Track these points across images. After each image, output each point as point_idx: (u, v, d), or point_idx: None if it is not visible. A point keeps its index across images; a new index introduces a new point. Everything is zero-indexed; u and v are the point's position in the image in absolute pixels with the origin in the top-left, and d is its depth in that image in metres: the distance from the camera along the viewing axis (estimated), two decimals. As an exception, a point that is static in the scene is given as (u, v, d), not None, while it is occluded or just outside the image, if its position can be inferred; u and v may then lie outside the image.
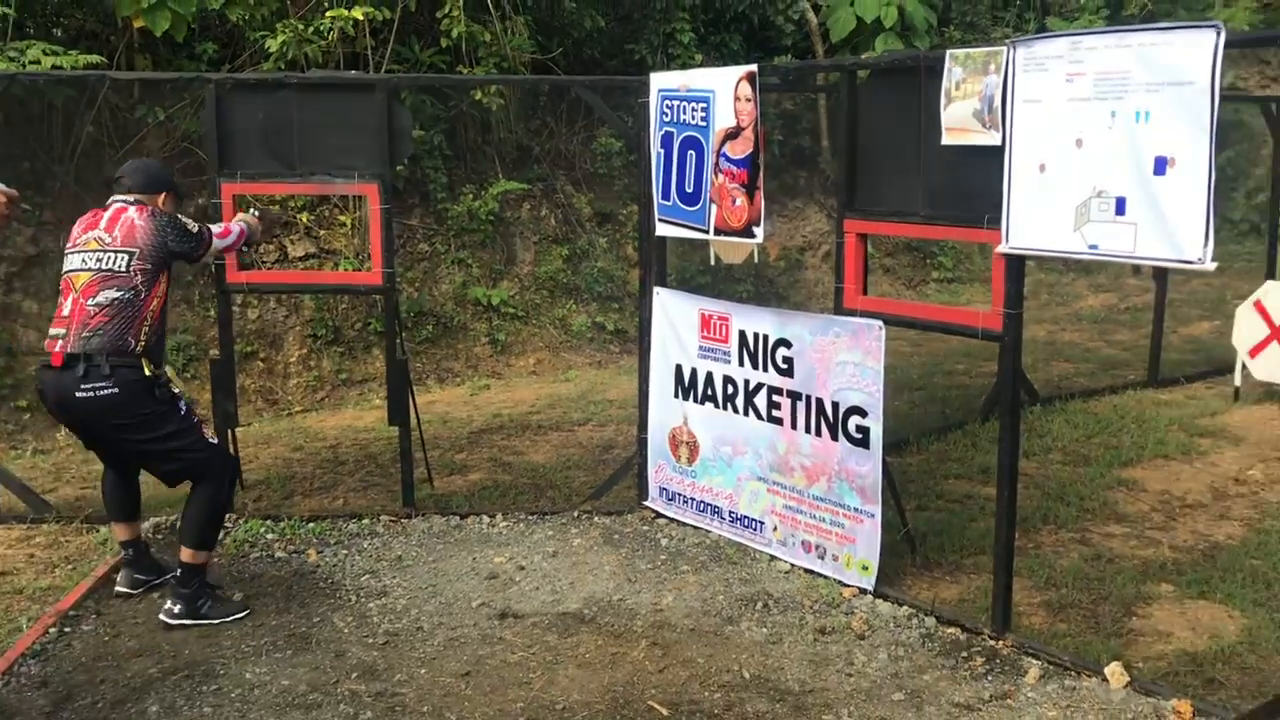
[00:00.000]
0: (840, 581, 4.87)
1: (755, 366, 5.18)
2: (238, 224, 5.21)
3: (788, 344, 5.02)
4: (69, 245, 4.65)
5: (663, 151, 5.44)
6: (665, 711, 3.87)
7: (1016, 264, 4.21)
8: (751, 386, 5.21)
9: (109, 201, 4.73)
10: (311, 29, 8.64)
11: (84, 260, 4.55)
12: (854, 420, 4.76)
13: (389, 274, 5.68)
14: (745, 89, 4.95)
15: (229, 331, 5.88)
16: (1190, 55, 3.47)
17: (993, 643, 4.32)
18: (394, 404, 5.85)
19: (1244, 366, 7.58)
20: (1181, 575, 4.91)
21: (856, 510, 4.80)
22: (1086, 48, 3.77)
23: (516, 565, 5.19)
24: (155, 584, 4.93)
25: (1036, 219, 3.98)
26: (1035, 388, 7.76)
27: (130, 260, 4.52)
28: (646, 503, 5.87)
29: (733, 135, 5.04)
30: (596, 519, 5.80)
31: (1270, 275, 8.47)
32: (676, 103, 5.32)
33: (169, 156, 8.71)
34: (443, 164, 9.84)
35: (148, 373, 4.48)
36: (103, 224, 4.62)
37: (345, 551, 5.38)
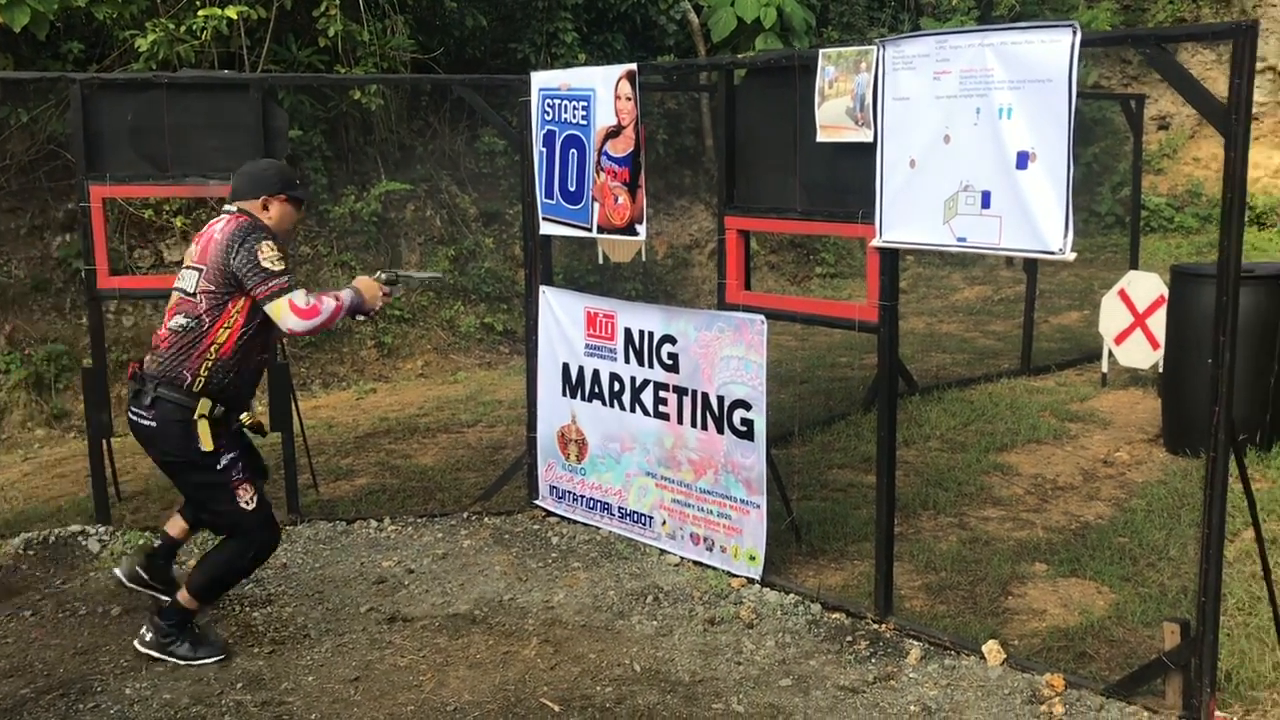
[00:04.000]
0: (728, 572, 4.94)
1: (641, 363, 5.22)
2: (346, 294, 4.25)
3: (673, 340, 5.07)
4: None
5: (545, 150, 5.44)
6: (557, 708, 3.88)
7: (890, 257, 4.32)
8: (638, 383, 5.25)
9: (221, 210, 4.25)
10: (184, 28, 8.42)
11: (179, 280, 4.20)
12: (739, 414, 4.84)
13: (268, 277, 5.56)
14: (625, 87, 4.99)
15: (101, 339, 5.71)
16: (1049, 54, 3.61)
17: (876, 626, 4.43)
18: (276, 410, 5.74)
19: (1110, 353, 7.91)
20: (1054, 555, 5.10)
21: (743, 502, 4.88)
22: (951, 46, 3.89)
23: (405, 569, 5.15)
24: (151, 593, 4.47)
25: (908, 213, 4.10)
26: (914, 378, 7.99)
27: (198, 280, 4.07)
28: (537, 502, 5.87)
29: (614, 134, 5.07)
30: (486, 520, 5.78)
31: (1134, 265, 8.86)
32: (558, 101, 5.33)
33: (35, 159, 8.41)
34: (323, 165, 9.69)
35: (196, 414, 4.03)
36: (200, 237, 4.18)
37: (228, 561, 5.25)
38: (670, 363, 5.09)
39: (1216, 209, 14.20)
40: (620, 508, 5.43)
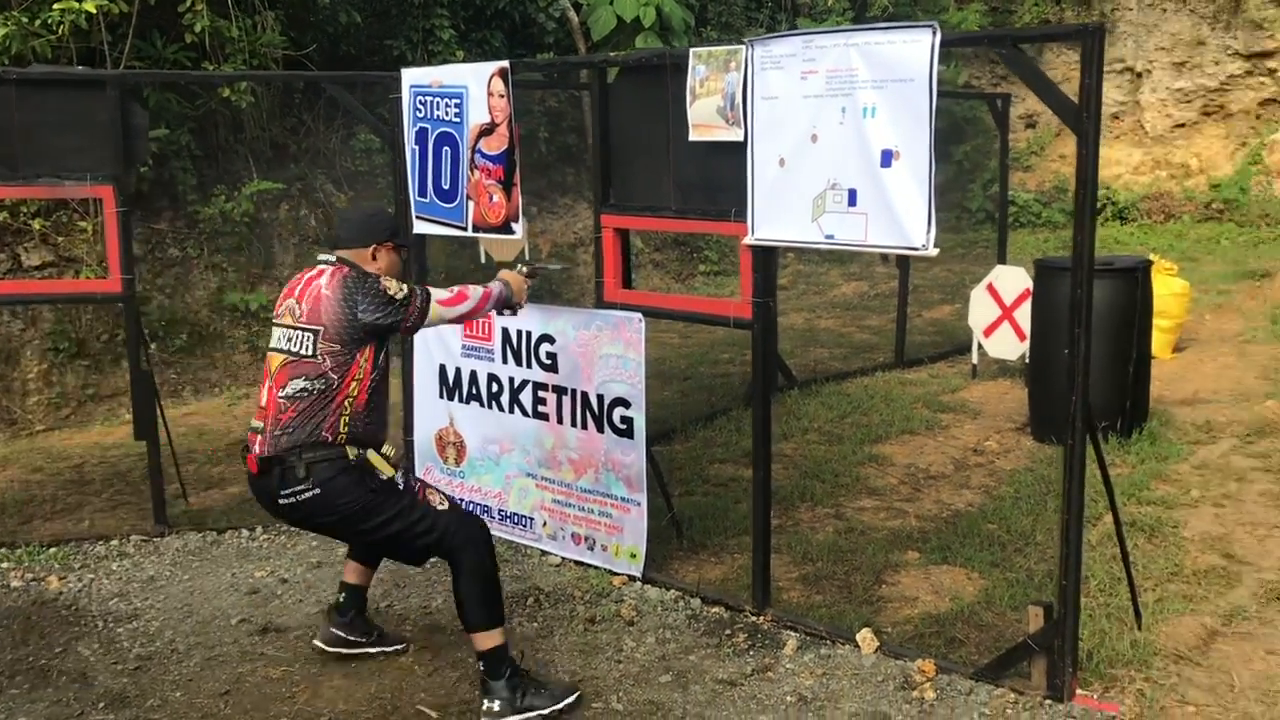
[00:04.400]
0: (610, 571, 4.94)
1: (520, 363, 5.18)
2: (495, 285, 4.21)
3: (551, 339, 5.04)
4: (274, 313, 3.97)
5: (417, 148, 5.37)
6: (434, 714, 3.83)
7: (764, 255, 4.37)
8: (517, 384, 5.21)
9: (317, 260, 3.99)
10: (39, 22, 8.07)
11: (278, 338, 3.87)
12: (618, 411, 4.84)
13: (129, 280, 5.37)
14: (498, 85, 4.94)
15: (-50, 347, 5.44)
16: (910, 54, 3.68)
17: (754, 619, 4.47)
18: (140, 418, 5.55)
19: (979, 345, 8.13)
20: (926, 542, 5.22)
21: (623, 500, 4.88)
22: (818, 46, 3.94)
23: (279, 579, 5.02)
24: (357, 648, 4.26)
25: (778, 211, 4.15)
26: (793, 372, 8.11)
27: (315, 341, 3.76)
28: (416, 505, 5.78)
29: (487, 131, 5.02)
30: (365, 525, 5.66)
31: (1001, 260, 9.12)
32: (430, 99, 5.26)
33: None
34: (192, 164, 9.37)
35: (352, 457, 3.78)
36: (298, 290, 3.88)
37: (91, 575, 5.06)
38: (549, 362, 5.06)
39: (1080, 204, 14.77)
40: (500, 510, 5.38)
